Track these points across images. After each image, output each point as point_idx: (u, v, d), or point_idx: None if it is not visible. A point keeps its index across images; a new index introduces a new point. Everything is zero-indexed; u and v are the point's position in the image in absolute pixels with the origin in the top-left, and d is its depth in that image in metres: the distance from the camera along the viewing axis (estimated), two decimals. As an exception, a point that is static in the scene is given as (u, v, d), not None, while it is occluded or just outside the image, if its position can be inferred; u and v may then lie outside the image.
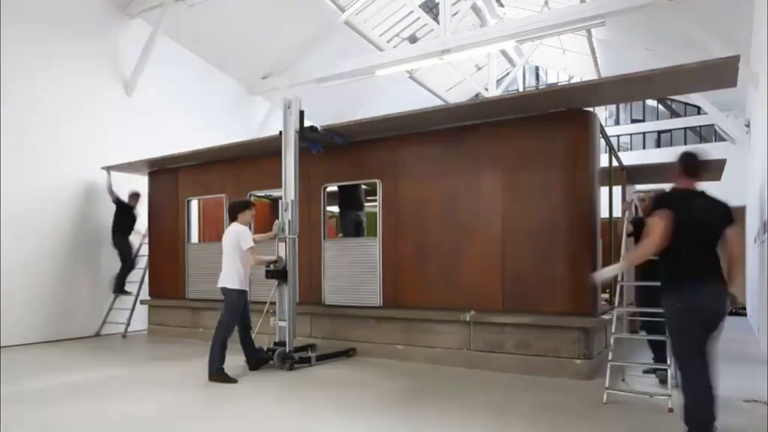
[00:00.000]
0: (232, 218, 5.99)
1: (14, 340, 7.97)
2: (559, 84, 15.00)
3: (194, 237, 9.12)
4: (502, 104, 6.21)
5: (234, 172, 8.41)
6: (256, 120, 13.16)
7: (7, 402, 4.72)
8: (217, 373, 5.48)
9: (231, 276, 5.77)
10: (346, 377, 5.79)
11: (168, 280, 9.03)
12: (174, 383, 5.56)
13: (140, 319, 9.57)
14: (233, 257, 5.77)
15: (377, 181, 7.03)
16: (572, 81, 18.24)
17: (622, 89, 6.01)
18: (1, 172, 7.91)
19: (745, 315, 12.85)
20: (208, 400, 4.90)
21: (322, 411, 4.52)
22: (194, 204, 9.31)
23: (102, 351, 7.77)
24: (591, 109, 6.10)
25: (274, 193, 8.32)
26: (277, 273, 6.21)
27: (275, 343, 6.30)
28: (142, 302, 9.44)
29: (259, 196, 9.06)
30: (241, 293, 5.82)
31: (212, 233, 9.11)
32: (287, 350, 6.12)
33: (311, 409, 4.58)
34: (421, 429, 4.04)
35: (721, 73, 5.20)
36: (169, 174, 9.17)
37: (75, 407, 4.64)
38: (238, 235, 5.80)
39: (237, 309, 5.78)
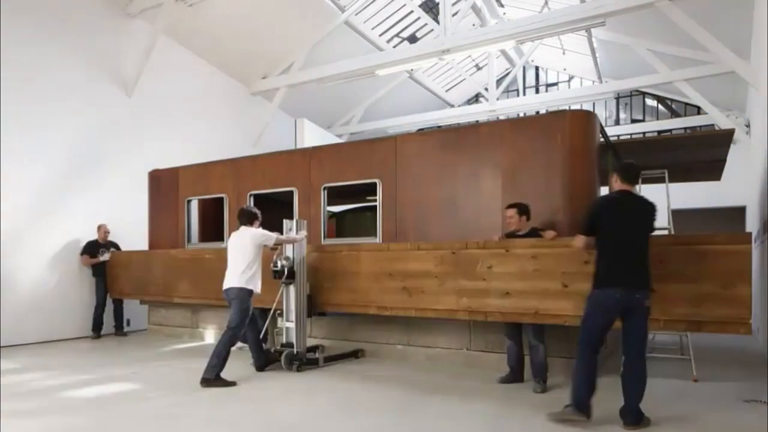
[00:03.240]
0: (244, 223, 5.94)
1: (19, 339, 8.00)
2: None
3: (194, 237, 9.12)
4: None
5: (234, 171, 8.42)
6: (256, 120, 13.16)
7: (7, 401, 4.73)
8: (216, 379, 5.37)
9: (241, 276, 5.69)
10: (348, 377, 5.78)
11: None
12: (174, 383, 5.56)
13: (141, 319, 9.59)
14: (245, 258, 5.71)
15: (377, 181, 7.03)
16: (572, 81, 18.24)
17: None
18: (1, 170, 7.92)
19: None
20: (211, 400, 4.89)
21: (325, 412, 4.52)
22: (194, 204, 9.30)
23: (101, 351, 7.77)
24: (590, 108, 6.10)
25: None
26: (285, 273, 6.17)
27: (282, 345, 6.28)
28: (142, 302, 9.45)
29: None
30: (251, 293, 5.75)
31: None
32: (295, 351, 6.09)
33: (315, 409, 4.59)
34: (422, 429, 4.04)
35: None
36: (169, 174, 9.17)
37: (75, 406, 4.65)
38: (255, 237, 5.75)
39: (248, 310, 5.69)
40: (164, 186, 9.22)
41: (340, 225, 9.09)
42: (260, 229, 5.87)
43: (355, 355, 6.79)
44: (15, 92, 8.12)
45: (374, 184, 7.08)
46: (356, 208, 9.42)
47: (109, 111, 9.57)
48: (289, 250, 6.28)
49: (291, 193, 7.75)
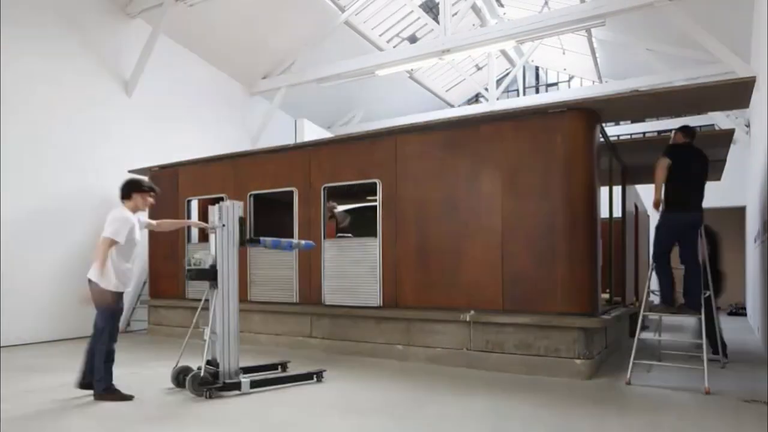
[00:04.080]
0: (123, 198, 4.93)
1: (25, 338, 8.01)
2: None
3: (194, 237, 9.13)
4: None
5: (234, 171, 8.42)
6: (256, 120, 13.17)
7: (7, 401, 4.72)
8: (107, 391, 4.65)
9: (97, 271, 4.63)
10: (348, 377, 5.78)
11: (168, 280, 9.03)
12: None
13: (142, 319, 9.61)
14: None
15: (377, 181, 7.03)
16: (572, 81, 18.25)
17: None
18: (1, 171, 7.92)
19: (745, 315, 12.85)
20: (212, 400, 4.88)
21: (328, 412, 4.52)
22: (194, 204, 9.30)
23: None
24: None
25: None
26: (201, 273, 5.00)
27: (208, 362, 4.98)
28: (142, 302, 9.46)
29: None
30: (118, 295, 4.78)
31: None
32: (202, 373, 4.82)
33: (318, 410, 4.58)
34: (422, 429, 4.04)
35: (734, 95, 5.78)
36: (169, 174, 9.17)
37: (76, 406, 4.64)
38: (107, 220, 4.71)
39: (114, 313, 4.77)
40: (164, 186, 9.21)
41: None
42: (118, 214, 4.75)
43: (313, 376, 5.43)
44: (15, 92, 8.12)
45: (374, 184, 7.08)
46: (356, 208, 9.42)
47: (109, 111, 9.57)
48: (211, 245, 5.14)
49: (291, 193, 7.75)
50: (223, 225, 5.12)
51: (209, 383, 4.82)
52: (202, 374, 4.81)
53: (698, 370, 5.17)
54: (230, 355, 5.05)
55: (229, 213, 5.18)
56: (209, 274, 5.02)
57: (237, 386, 4.93)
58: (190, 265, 5.06)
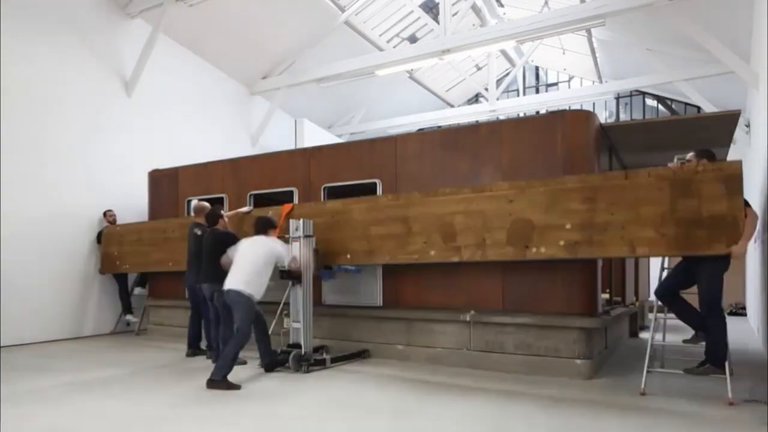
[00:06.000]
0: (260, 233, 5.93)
1: (19, 339, 8.00)
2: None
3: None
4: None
5: (234, 171, 8.42)
6: (256, 120, 13.17)
7: (8, 401, 4.72)
8: (221, 381, 5.24)
9: (253, 285, 5.62)
10: (355, 378, 5.78)
11: (168, 280, 9.02)
12: (176, 383, 5.56)
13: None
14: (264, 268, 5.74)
15: (377, 181, 7.03)
16: (572, 81, 18.25)
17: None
18: (0, 170, 7.92)
19: (745, 315, 12.85)
20: (216, 401, 4.89)
21: (334, 413, 4.53)
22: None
23: (101, 351, 7.77)
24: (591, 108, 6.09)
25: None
26: (292, 274, 6.16)
27: (289, 345, 6.21)
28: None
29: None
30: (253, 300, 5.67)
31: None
32: (303, 352, 6.03)
33: (320, 410, 4.59)
34: (422, 429, 4.04)
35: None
36: (169, 173, 9.17)
37: (76, 407, 4.64)
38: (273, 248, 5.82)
39: (252, 313, 5.68)
40: (164, 186, 9.22)
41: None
42: (278, 245, 5.89)
43: (360, 355, 6.75)
44: (15, 92, 8.11)
45: (374, 184, 7.08)
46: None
47: (109, 111, 9.57)
48: (295, 250, 6.22)
49: (291, 193, 7.75)
50: (307, 236, 6.27)
51: (308, 361, 6.00)
52: (303, 353, 6.00)
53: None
54: (310, 339, 6.18)
55: (309, 226, 6.38)
56: (296, 276, 6.17)
57: (323, 362, 6.24)
58: (284, 268, 6.11)
